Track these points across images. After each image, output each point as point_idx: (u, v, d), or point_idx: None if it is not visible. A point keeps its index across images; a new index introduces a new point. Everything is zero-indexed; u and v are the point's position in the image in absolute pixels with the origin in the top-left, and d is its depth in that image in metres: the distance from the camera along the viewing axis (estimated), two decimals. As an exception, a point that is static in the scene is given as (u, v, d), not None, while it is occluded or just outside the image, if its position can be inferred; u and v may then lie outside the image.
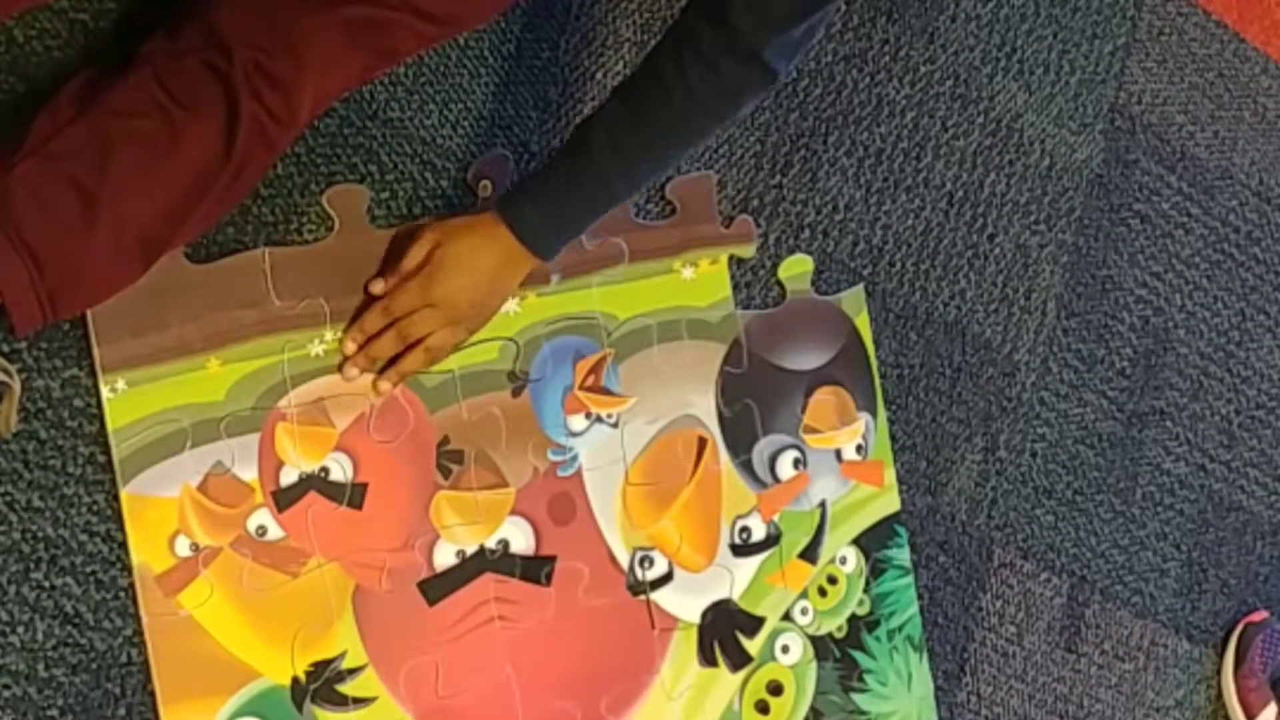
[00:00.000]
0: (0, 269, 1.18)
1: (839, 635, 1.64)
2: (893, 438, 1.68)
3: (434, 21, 1.31)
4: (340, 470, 1.42)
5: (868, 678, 1.65)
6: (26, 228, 1.18)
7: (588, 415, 1.53)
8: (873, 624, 1.66)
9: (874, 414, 1.67)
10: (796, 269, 1.64)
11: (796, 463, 1.63)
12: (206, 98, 1.24)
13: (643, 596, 1.55)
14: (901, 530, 1.68)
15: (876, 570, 1.66)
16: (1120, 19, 1.87)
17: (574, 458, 1.52)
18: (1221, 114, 1.94)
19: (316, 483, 1.41)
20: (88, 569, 1.34)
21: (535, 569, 1.50)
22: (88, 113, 1.23)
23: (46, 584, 1.33)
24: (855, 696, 1.64)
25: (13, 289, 1.18)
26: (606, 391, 1.54)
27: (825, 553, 1.64)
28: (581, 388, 1.53)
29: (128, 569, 1.35)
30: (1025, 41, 1.80)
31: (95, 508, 1.34)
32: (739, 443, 1.60)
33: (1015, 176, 1.79)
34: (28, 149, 1.22)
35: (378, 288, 1.40)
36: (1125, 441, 1.85)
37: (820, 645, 1.63)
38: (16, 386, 1.23)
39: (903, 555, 1.68)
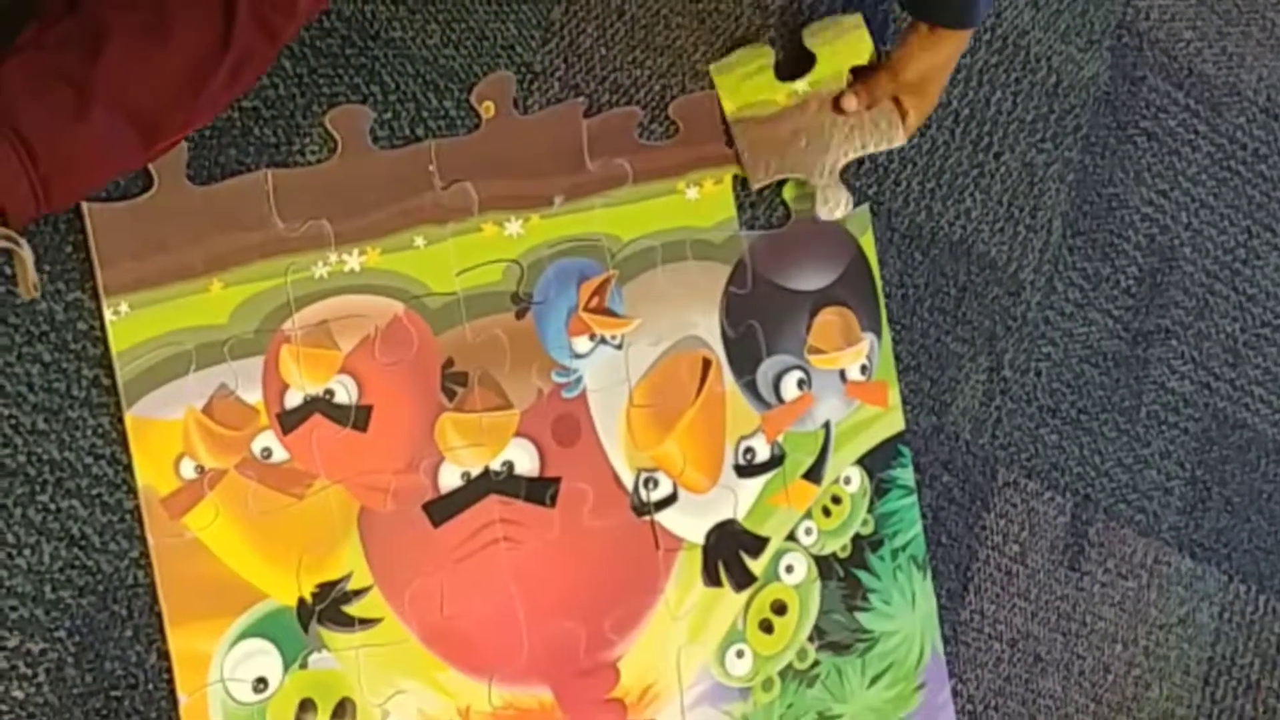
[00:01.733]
0: None
1: (843, 555, 1.64)
2: (897, 358, 1.68)
3: None
4: (345, 392, 1.42)
5: (872, 597, 1.65)
6: (18, 117, 1.17)
7: (592, 337, 1.53)
8: (877, 543, 1.66)
9: (878, 334, 1.67)
10: (801, 188, 1.63)
11: (801, 383, 1.62)
12: None
13: (647, 517, 1.55)
14: (905, 450, 1.68)
15: (880, 490, 1.66)
16: (1129, -66, 1.85)
17: (578, 379, 1.52)
18: (1229, 30, 1.93)
19: (321, 405, 1.42)
20: (93, 492, 1.34)
21: (540, 490, 1.50)
22: (79, 8, 1.22)
23: (52, 506, 1.33)
24: (859, 615, 1.65)
25: (5, 177, 1.17)
26: (611, 313, 1.53)
27: (829, 473, 1.64)
28: (586, 309, 1.52)
29: (133, 491, 1.36)
30: (1033, -43, 1.79)
31: (100, 430, 1.35)
32: (743, 364, 1.60)
33: (1021, 94, 1.78)
34: (20, 44, 1.21)
35: (850, 104, 1.59)
36: (1130, 360, 1.85)
37: (824, 565, 1.63)
38: (26, 250, 1.22)
39: (907, 475, 1.68)
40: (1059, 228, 1.79)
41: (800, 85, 1.60)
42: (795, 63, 1.61)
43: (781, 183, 1.62)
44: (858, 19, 1.61)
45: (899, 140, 1.61)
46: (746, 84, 1.59)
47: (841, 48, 1.60)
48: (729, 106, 1.59)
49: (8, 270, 1.30)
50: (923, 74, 1.57)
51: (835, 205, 1.61)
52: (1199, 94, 1.89)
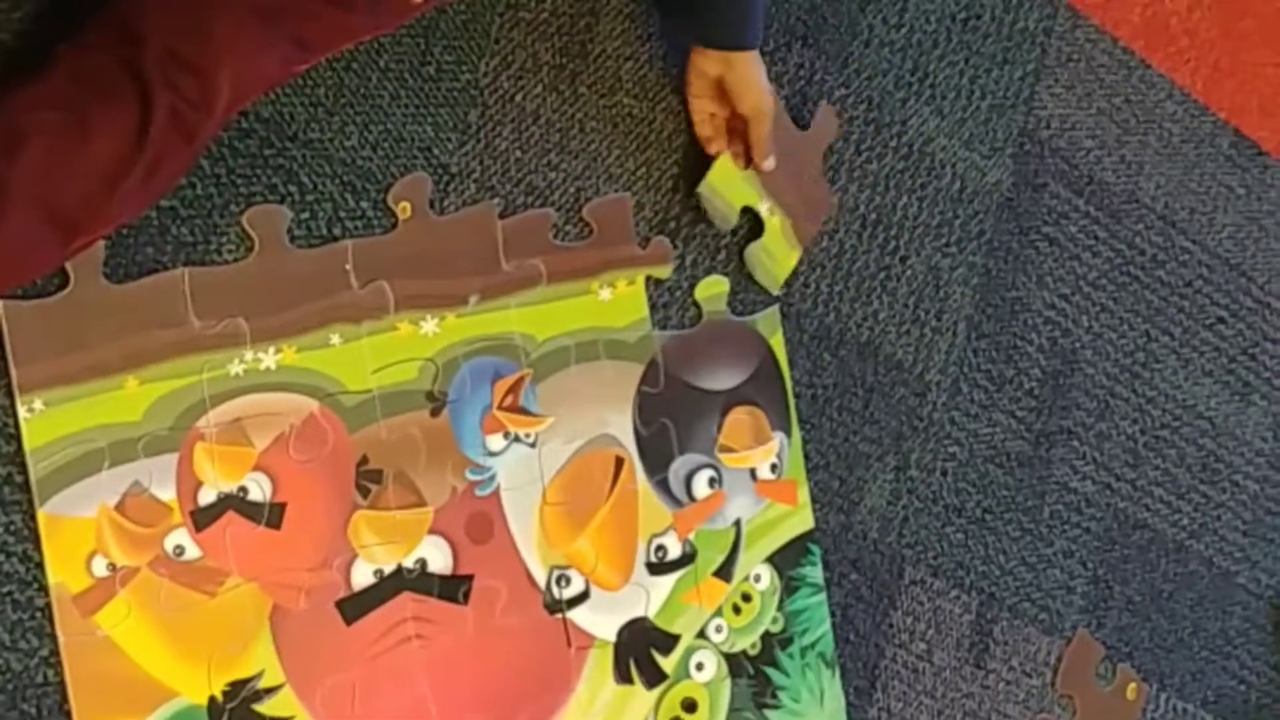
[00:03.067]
0: None
1: (753, 652, 1.65)
2: (806, 456, 1.70)
3: (353, 10, 1.32)
4: (259, 490, 1.42)
5: (781, 694, 1.67)
6: None
7: (506, 435, 1.54)
8: (786, 641, 1.67)
9: (788, 433, 1.69)
10: (713, 290, 1.66)
11: (712, 481, 1.64)
12: (118, 87, 1.23)
13: (559, 615, 1.56)
14: (815, 548, 1.70)
15: (790, 588, 1.68)
16: (1030, 45, 1.90)
17: (492, 477, 1.53)
18: (1128, 139, 1.98)
19: (235, 502, 1.42)
20: (4, 589, 1.33)
21: (453, 588, 1.50)
22: None
23: (-38, 604, 1.32)
24: (769, 713, 1.66)
25: None
26: (525, 411, 1.55)
27: (740, 570, 1.65)
28: (500, 407, 1.54)
29: (44, 589, 1.35)
30: (937, 67, 1.83)
31: (12, 528, 1.34)
32: (655, 462, 1.61)
33: (927, 199, 1.82)
34: None
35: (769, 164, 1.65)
36: (1033, 460, 1.88)
37: (734, 662, 1.64)
38: None
39: (816, 573, 1.70)
40: (964, 330, 1.83)
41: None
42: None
43: (692, 284, 1.64)
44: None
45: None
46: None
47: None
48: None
49: (-79, 366, 1.30)
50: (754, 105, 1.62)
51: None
52: (1099, 201, 1.94)
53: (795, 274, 1.71)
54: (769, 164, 1.64)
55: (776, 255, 1.68)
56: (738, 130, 1.63)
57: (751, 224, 1.68)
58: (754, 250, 1.67)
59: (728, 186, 1.65)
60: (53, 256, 1.27)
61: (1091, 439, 1.92)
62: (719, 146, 1.64)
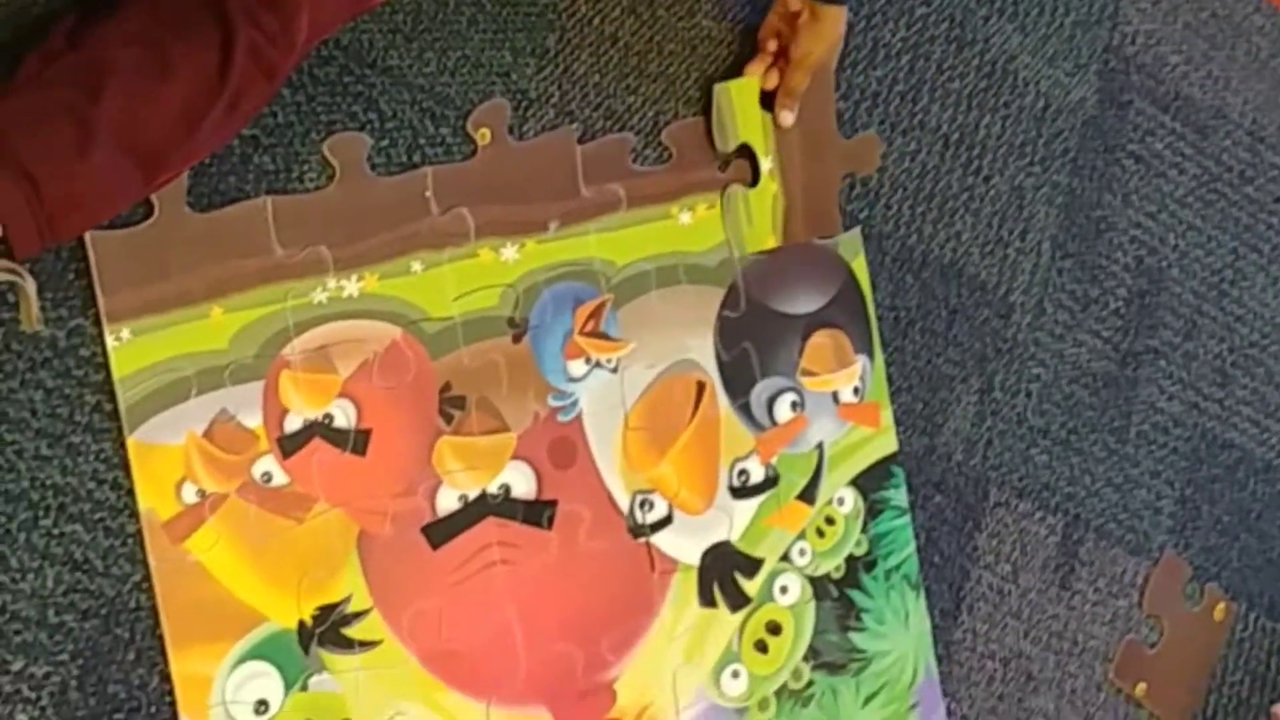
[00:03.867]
0: None
1: (837, 575, 1.66)
2: (889, 379, 1.70)
3: None
4: (344, 417, 1.44)
5: (865, 617, 1.67)
6: (22, 151, 1.18)
7: (587, 360, 1.54)
8: (870, 564, 1.67)
9: (870, 356, 1.68)
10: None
11: (794, 405, 1.64)
12: (200, 24, 1.24)
13: (643, 539, 1.56)
14: (898, 471, 1.70)
15: (874, 511, 1.68)
16: (1115, -41, 1.88)
17: (574, 403, 1.53)
18: (1215, 54, 1.95)
19: (321, 429, 1.43)
20: (96, 516, 1.35)
21: (537, 513, 1.51)
22: (80, 45, 1.23)
23: (55, 531, 1.34)
24: (853, 635, 1.66)
25: (9, 211, 1.18)
26: (605, 337, 1.55)
27: (823, 494, 1.65)
28: (581, 333, 1.54)
29: (135, 516, 1.37)
30: (1020, -17, 1.81)
31: (102, 455, 1.36)
32: (737, 386, 1.61)
33: (1010, 118, 1.80)
34: (21, 81, 1.22)
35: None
36: (1119, 381, 1.86)
37: (818, 585, 1.65)
38: (30, 284, 1.23)
39: (899, 495, 1.70)
40: (1048, 250, 1.81)
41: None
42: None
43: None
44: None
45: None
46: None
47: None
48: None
49: (10, 299, 1.31)
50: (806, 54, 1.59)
51: None
52: (1185, 117, 1.92)
53: (873, 197, 1.70)
54: (786, 118, 1.61)
55: (755, 221, 1.63)
56: (783, 72, 1.61)
57: (747, 172, 1.64)
58: (737, 195, 1.62)
59: (743, 106, 1.62)
60: (137, 192, 1.28)
61: (1178, 358, 1.90)
62: (757, 68, 1.61)
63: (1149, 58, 1.89)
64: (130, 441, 1.36)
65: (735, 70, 1.62)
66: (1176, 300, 1.90)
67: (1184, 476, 1.91)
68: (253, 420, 1.41)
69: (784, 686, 1.63)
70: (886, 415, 1.69)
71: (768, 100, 1.61)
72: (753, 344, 1.62)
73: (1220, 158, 1.94)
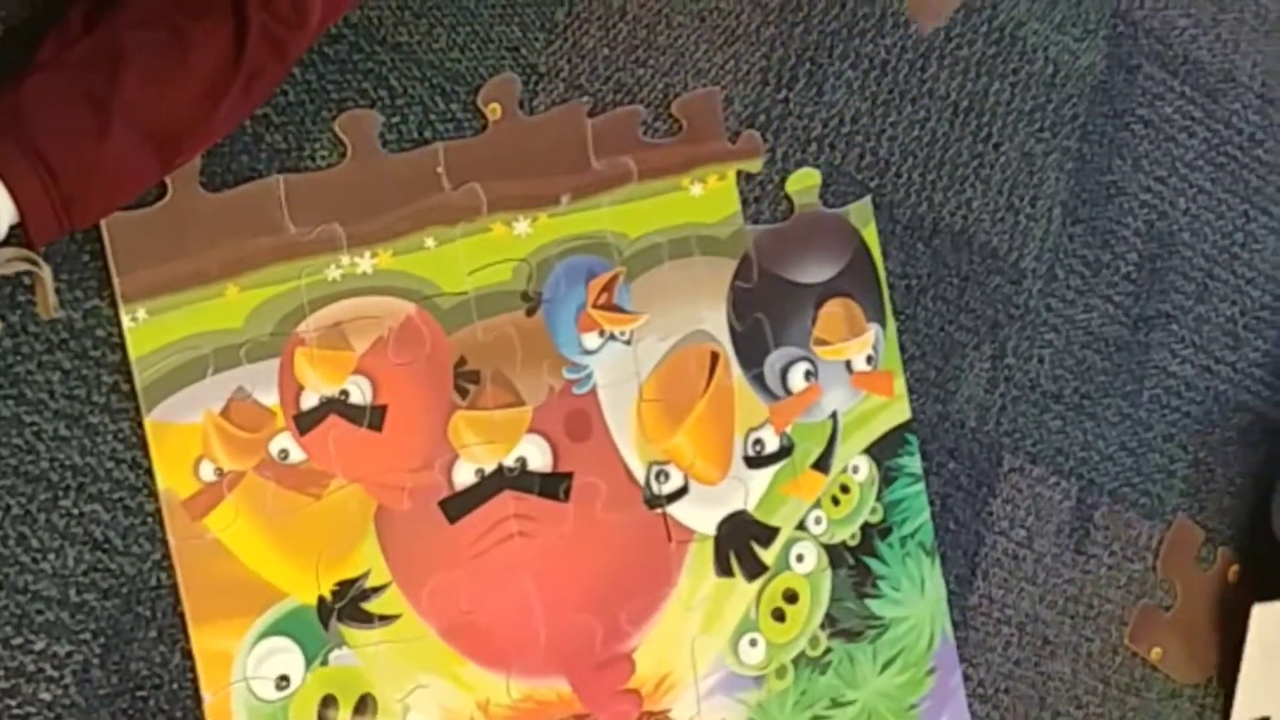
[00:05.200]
0: (14, 178, 1.18)
1: (852, 543, 1.66)
2: (902, 347, 1.70)
3: None
4: (360, 393, 1.44)
5: (881, 584, 1.67)
6: (39, 137, 1.19)
7: (601, 333, 1.55)
8: (885, 531, 1.68)
9: (883, 324, 1.69)
10: (804, 182, 1.65)
11: (808, 374, 1.64)
12: (213, 5, 1.25)
13: (659, 510, 1.57)
14: (912, 438, 1.70)
15: (888, 478, 1.68)
16: (1122, -77, 1.87)
17: (589, 375, 1.54)
18: (1223, 17, 1.94)
19: (337, 405, 1.44)
20: (115, 495, 1.36)
21: (553, 485, 1.52)
22: (96, 28, 1.24)
23: (75, 511, 1.35)
24: (870, 602, 1.67)
25: (27, 196, 1.19)
26: (619, 309, 1.55)
27: (837, 462, 1.66)
28: (594, 305, 1.54)
29: (154, 495, 1.38)
30: (1027, -51, 1.81)
31: (120, 435, 1.37)
32: (750, 356, 1.62)
33: (1019, 84, 1.80)
34: (37, 64, 1.23)
35: None
36: (1131, 345, 1.86)
37: (834, 553, 1.65)
38: (46, 272, 1.24)
39: (913, 463, 1.70)
40: (1059, 216, 1.81)
41: None
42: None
43: (783, 177, 1.64)
44: None
45: None
46: None
47: None
48: None
49: (26, 281, 1.32)
50: None
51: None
52: (1194, 81, 1.91)
53: (883, 165, 1.70)
54: None
55: None
56: None
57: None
58: None
59: None
60: (154, 174, 1.29)
61: (1190, 322, 1.90)
62: None
63: (1157, 22, 1.89)
64: (148, 421, 1.37)
65: (746, 41, 1.62)
66: (1187, 264, 1.90)
67: (1197, 440, 1.91)
68: (269, 398, 1.41)
69: (802, 654, 1.63)
70: (899, 383, 1.70)
71: None
72: (765, 314, 1.62)
73: (1230, 121, 1.94)
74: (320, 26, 1.31)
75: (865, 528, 1.67)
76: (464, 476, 1.49)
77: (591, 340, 1.54)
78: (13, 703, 1.33)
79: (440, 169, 1.48)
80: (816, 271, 1.65)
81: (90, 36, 1.23)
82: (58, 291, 1.31)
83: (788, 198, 1.65)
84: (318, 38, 1.35)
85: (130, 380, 1.37)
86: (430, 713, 1.47)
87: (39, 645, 1.34)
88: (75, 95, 1.21)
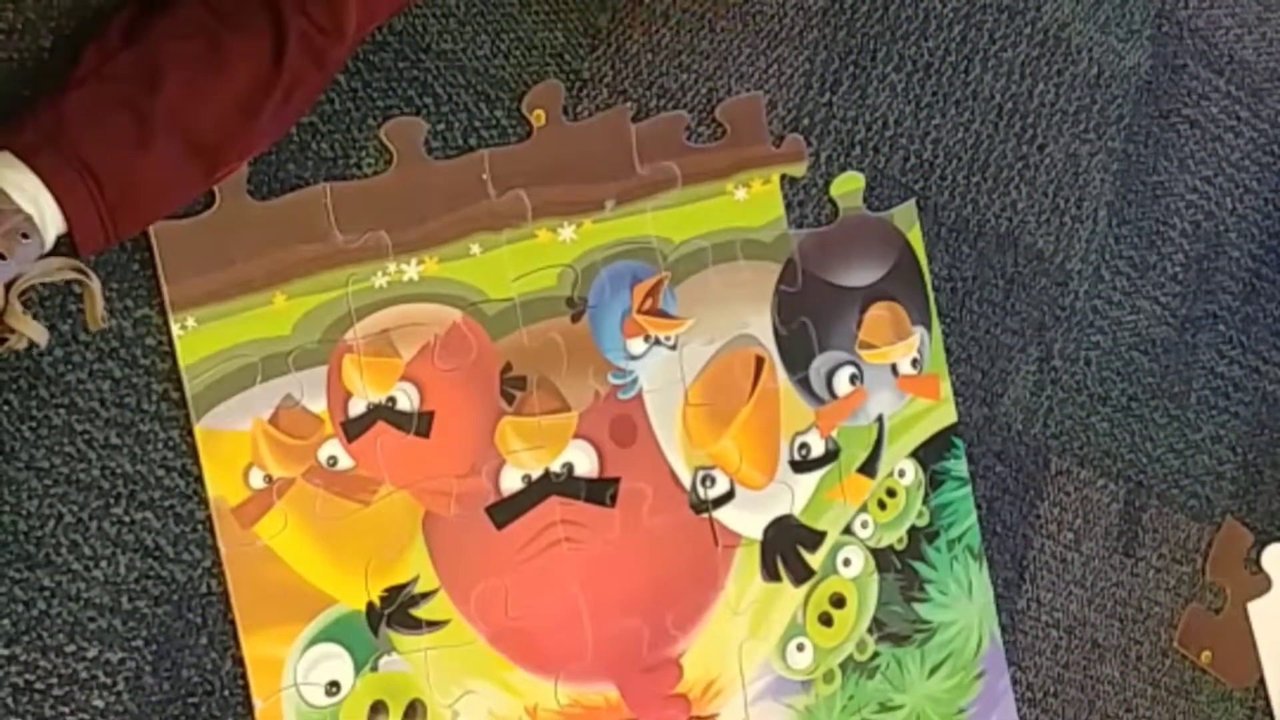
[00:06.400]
0: (61, 187, 1.19)
1: (899, 547, 1.66)
2: (947, 350, 1.70)
3: None
4: (407, 399, 1.45)
5: (929, 588, 1.67)
6: (83, 147, 1.20)
7: (646, 338, 1.55)
8: (932, 535, 1.68)
9: (928, 328, 1.69)
10: (848, 186, 1.65)
11: (853, 378, 1.64)
12: (252, 15, 1.26)
13: (705, 515, 1.57)
14: (958, 442, 1.70)
15: (935, 482, 1.68)
16: (1165, -77, 1.87)
17: (634, 380, 1.54)
18: (1269, 16, 1.94)
19: (384, 412, 1.44)
20: (166, 503, 1.37)
21: (600, 491, 1.52)
22: (136, 40, 1.25)
23: (126, 519, 1.36)
24: (917, 606, 1.66)
25: (74, 206, 1.20)
26: (664, 314, 1.56)
27: (884, 466, 1.66)
28: (640, 311, 1.54)
29: (204, 502, 1.38)
30: (1071, -50, 1.80)
31: (171, 443, 1.37)
32: (796, 360, 1.62)
33: (1064, 86, 1.79)
34: (79, 76, 1.24)
35: None
36: (1179, 346, 1.86)
37: (881, 557, 1.65)
38: (95, 283, 1.25)
39: (960, 466, 1.70)
40: (1105, 217, 1.81)
41: None
42: None
43: (827, 181, 1.64)
44: None
45: None
46: None
47: None
48: None
49: (76, 290, 1.33)
50: None
51: None
52: (1240, 80, 1.91)
53: (927, 168, 1.69)
54: None
55: None
56: None
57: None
58: None
59: None
60: (197, 184, 1.30)
61: (1238, 322, 1.89)
62: None
63: (1202, 21, 1.88)
64: (198, 429, 1.38)
65: (789, 45, 1.62)
66: (1234, 264, 1.90)
67: (1246, 441, 1.90)
68: (317, 405, 1.42)
69: (849, 658, 1.63)
70: (945, 386, 1.70)
71: None
72: (810, 318, 1.62)
73: (1276, 120, 1.93)
74: (358, 34, 1.31)
75: (912, 531, 1.67)
76: (511, 482, 1.49)
77: (637, 345, 1.55)
78: (66, 710, 1.34)
79: (485, 176, 1.48)
80: (861, 275, 1.65)
81: (130, 49, 1.24)
82: (108, 300, 1.32)
83: (832, 201, 1.65)
84: (356, 46, 1.36)
85: (180, 388, 1.38)
86: (479, 718, 1.48)
87: (91, 652, 1.35)
88: (117, 107, 1.22)
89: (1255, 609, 1.87)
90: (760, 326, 1.60)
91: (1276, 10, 1.94)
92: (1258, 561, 1.90)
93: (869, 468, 1.65)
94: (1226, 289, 1.89)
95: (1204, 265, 1.87)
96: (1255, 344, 1.91)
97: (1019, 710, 1.73)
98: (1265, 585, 1.89)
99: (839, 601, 1.63)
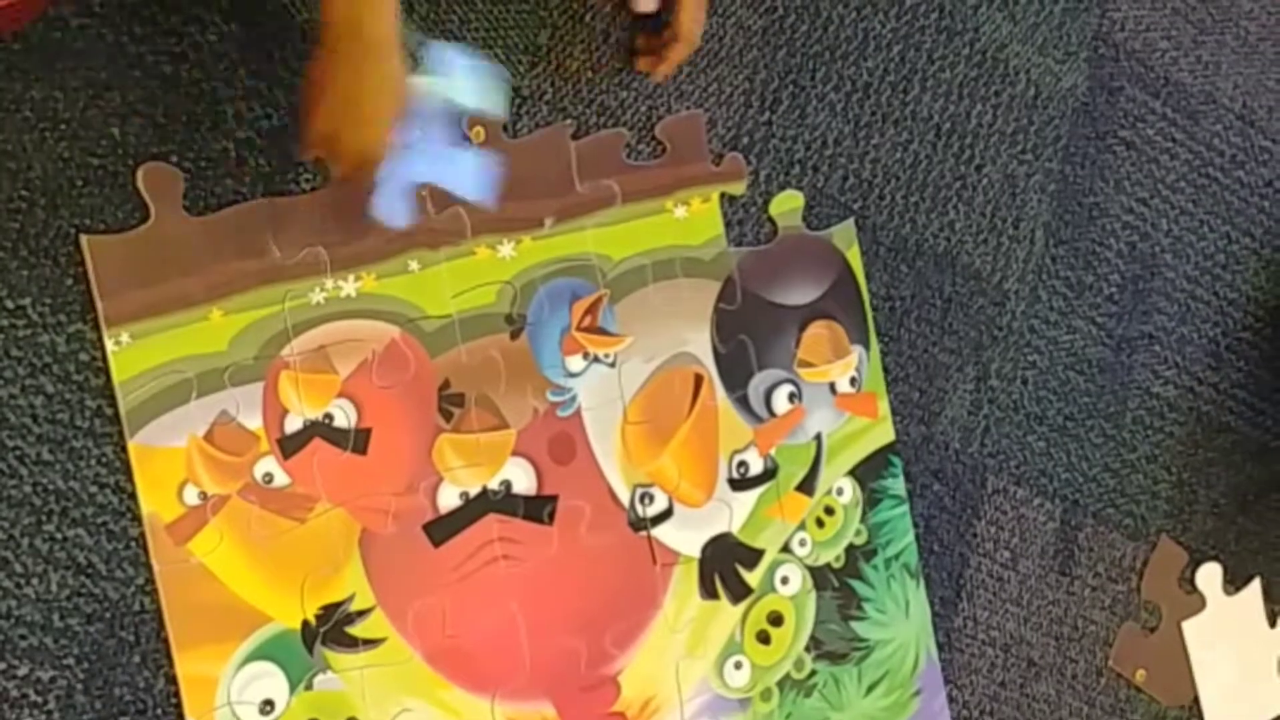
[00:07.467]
0: None
1: (837, 565, 1.66)
2: (885, 369, 1.70)
3: None
4: (344, 416, 1.44)
5: (866, 606, 1.67)
6: None
7: (585, 355, 1.55)
8: (870, 553, 1.68)
9: (866, 346, 1.69)
10: (787, 205, 1.66)
11: (791, 396, 1.64)
12: None
13: (644, 533, 1.57)
14: (896, 460, 1.70)
15: (872, 500, 1.68)
16: (1102, -54, 1.88)
17: (573, 398, 1.54)
18: (1204, 39, 1.95)
19: (321, 429, 1.43)
20: (98, 520, 1.36)
21: (538, 508, 1.52)
22: None
23: (59, 536, 1.35)
24: (854, 625, 1.67)
25: None
26: (603, 331, 1.55)
27: (822, 484, 1.66)
28: (578, 328, 1.54)
29: (138, 519, 1.37)
30: (1009, -28, 1.81)
31: (104, 459, 1.36)
32: (734, 378, 1.62)
33: (1001, 106, 1.80)
34: None
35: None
36: (1114, 366, 1.87)
37: (819, 575, 1.65)
38: None
39: (898, 485, 1.70)
40: (1041, 238, 1.82)
41: None
42: None
43: (766, 199, 1.64)
44: None
45: None
46: None
47: None
48: None
49: (9, 304, 1.32)
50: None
51: None
52: (1176, 103, 1.92)
53: (866, 187, 1.70)
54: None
55: None
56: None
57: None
58: None
59: None
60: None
61: (1173, 343, 1.91)
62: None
63: (1138, 44, 1.90)
64: (131, 445, 1.37)
65: (729, 64, 1.63)
66: (1170, 285, 1.91)
67: (1180, 460, 1.91)
68: (253, 421, 1.41)
69: (787, 676, 1.63)
70: (883, 405, 1.70)
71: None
72: (749, 336, 1.62)
73: (1211, 142, 1.95)
74: None
75: (850, 550, 1.67)
76: (448, 500, 1.48)
77: (576, 363, 1.54)
78: (-5, 729, 1.33)
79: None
80: (800, 294, 1.66)
81: None
82: (40, 318, 1.31)
83: (771, 220, 1.65)
84: None
85: (114, 404, 1.36)
86: (415, 737, 1.47)
87: (22, 670, 1.33)
88: None
89: (1190, 628, 1.88)
90: (699, 344, 1.60)
91: (1211, 33, 1.96)
92: (1192, 580, 1.91)
93: (807, 486, 1.65)
94: (1161, 310, 1.90)
95: (1139, 286, 1.89)
96: (1190, 364, 1.92)
97: (955, 728, 1.74)
98: (1199, 604, 1.90)
99: (777, 620, 1.63)
